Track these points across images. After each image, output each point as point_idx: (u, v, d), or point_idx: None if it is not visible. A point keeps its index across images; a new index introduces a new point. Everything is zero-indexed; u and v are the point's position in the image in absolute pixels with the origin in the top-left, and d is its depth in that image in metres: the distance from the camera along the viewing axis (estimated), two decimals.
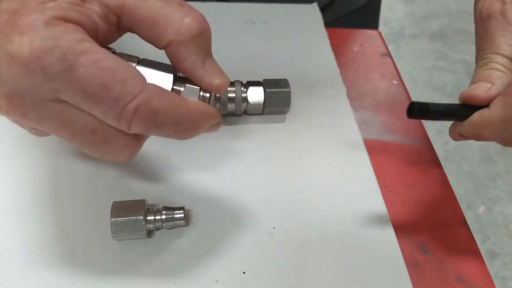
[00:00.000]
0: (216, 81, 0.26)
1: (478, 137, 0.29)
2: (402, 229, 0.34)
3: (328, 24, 0.53)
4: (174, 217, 0.31)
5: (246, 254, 0.31)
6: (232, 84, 0.39)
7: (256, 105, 0.40)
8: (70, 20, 0.22)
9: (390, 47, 0.53)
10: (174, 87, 0.25)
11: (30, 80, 0.22)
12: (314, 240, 0.33)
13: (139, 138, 0.25)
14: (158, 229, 0.31)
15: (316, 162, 0.38)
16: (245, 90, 0.39)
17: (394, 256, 0.32)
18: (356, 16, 0.62)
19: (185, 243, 0.31)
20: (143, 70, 0.25)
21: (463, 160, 1.49)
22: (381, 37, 0.54)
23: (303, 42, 0.50)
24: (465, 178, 1.44)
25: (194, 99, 0.26)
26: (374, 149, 0.40)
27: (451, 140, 1.60)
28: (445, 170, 0.40)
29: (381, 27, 0.69)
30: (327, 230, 0.33)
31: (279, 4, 0.54)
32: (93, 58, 0.22)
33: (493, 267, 1.23)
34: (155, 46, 0.25)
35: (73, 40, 0.22)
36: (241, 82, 0.40)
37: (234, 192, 0.35)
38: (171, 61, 0.26)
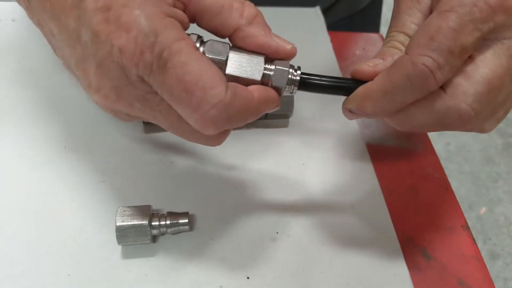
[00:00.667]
0: (288, 46, 0.28)
1: (362, 110, 0.28)
2: (404, 233, 0.35)
3: (330, 26, 0.53)
4: (178, 223, 0.31)
5: (250, 259, 0.31)
6: None
7: None
8: (166, 14, 0.24)
9: None
10: (266, 65, 0.27)
11: (136, 74, 0.23)
12: (317, 245, 0.33)
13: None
14: (162, 234, 0.32)
15: (319, 167, 0.38)
16: None
17: (397, 261, 0.33)
18: (358, 18, 0.62)
19: (189, 248, 0.32)
20: (236, 55, 0.27)
21: (464, 161, 1.49)
22: (383, 41, 0.54)
23: (305, 45, 0.50)
24: (467, 179, 1.44)
25: (283, 80, 0.27)
26: (376, 153, 0.40)
27: (453, 141, 1.60)
28: (447, 171, 0.40)
29: (382, 29, 0.69)
30: (330, 235, 0.34)
31: (282, 7, 0.54)
32: (183, 61, 0.23)
33: (494, 268, 1.23)
34: (220, 34, 0.27)
35: (172, 37, 0.23)
36: None
37: (237, 197, 0.35)
38: (241, 44, 0.27)
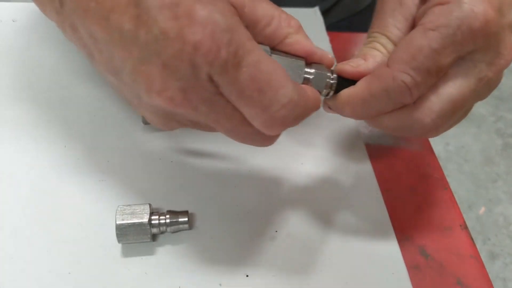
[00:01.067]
0: (330, 55, 0.29)
1: (341, 112, 0.30)
2: (403, 232, 0.35)
3: (330, 26, 0.53)
4: (178, 221, 0.31)
5: (249, 258, 0.32)
6: None
7: None
8: (237, 7, 0.24)
9: None
10: (306, 69, 0.28)
11: (207, 73, 0.22)
12: (316, 244, 0.33)
13: None
14: (162, 232, 0.32)
15: (317, 166, 0.38)
16: None
17: (395, 260, 0.33)
18: (357, 19, 0.63)
19: (189, 246, 0.32)
20: (278, 58, 0.27)
21: (463, 161, 1.49)
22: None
23: None
24: (466, 179, 1.44)
25: (322, 83, 0.28)
26: (375, 153, 0.40)
27: (452, 142, 1.60)
28: (446, 171, 0.40)
29: None
30: (329, 234, 0.34)
31: (281, 8, 0.54)
32: (257, 59, 0.23)
33: (493, 268, 1.23)
34: (270, 42, 0.27)
35: (246, 35, 0.23)
36: None
37: (237, 196, 0.35)
38: (289, 49, 0.28)
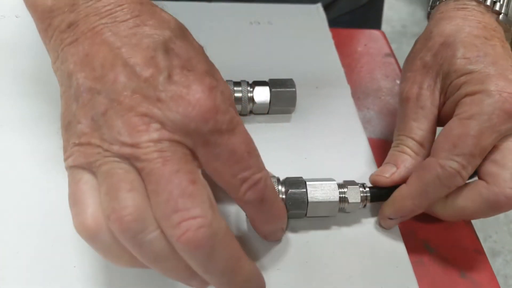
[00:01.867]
0: (279, 233, 0.33)
1: (402, 211, 0.32)
2: (407, 227, 0.35)
3: (332, 21, 0.53)
4: None
5: (253, 252, 0.32)
6: (238, 84, 0.40)
7: (262, 104, 0.40)
8: None
9: (392, 47, 0.53)
10: (340, 190, 0.33)
11: (223, 129, 0.24)
12: (321, 238, 0.33)
13: None
14: None
15: (321, 161, 0.38)
16: (251, 90, 0.40)
17: (400, 254, 0.33)
18: (359, 13, 0.63)
19: None
20: (313, 182, 0.33)
21: None
22: (385, 37, 0.54)
23: (307, 42, 0.50)
24: None
25: (357, 197, 0.33)
26: (378, 148, 0.41)
27: None
28: None
29: (383, 26, 0.69)
30: (333, 228, 0.34)
31: (284, 4, 0.54)
32: (244, 129, 0.25)
33: (494, 265, 1.23)
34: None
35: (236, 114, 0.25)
36: (248, 82, 0.40)
37: None
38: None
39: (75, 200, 0.24)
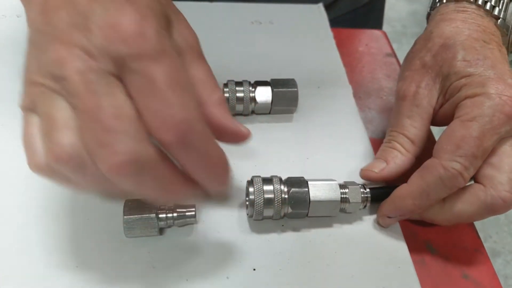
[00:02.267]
0: (244, 129, 0.29)
1: (400, 210, 0.32)
2: (408, 227, 0.35)
3: (333, 21, 0.53)
4: (185, 215, 0.31)
5: (256, 251, 0.32)
6: (240, 84, 0.40)
7: (264, 104, 0.40)
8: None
9: (393, 46, 0.53)
10: (341, 190, 0.33)
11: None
12: (323, 238, 0.33)
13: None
14: (169, 226, 0.32)
15: (323, 161, 0.38)
16: (253, 90, 0.40)
17: (402, 254, 0.33)
18: (360, 13, 0.63)
19: (195, 240, 0.32)
20: (316, 183, 0.33)
21: None
22: (386, 37, 0.54)
23: (309, 42, 0.50)
24: None
25: (358, 198, 0.33)
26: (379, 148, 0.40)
27: None
28: None
29: (384, 26, 0.69)
30: (335, 228, 0.34)
31: (285, 4, 0.54)
32: (175, 63, 0.23)
33: (495, 266, 1.22)
34: None
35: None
36: (249, 82, 0.40)
37: (243, 191, 0.35)
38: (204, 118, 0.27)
39: (25, 143, 0.25)
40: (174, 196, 0.26)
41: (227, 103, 0.39)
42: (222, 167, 0.26)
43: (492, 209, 0.31)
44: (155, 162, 0.23)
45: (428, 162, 0.31)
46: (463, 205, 0.31)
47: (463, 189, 0.31)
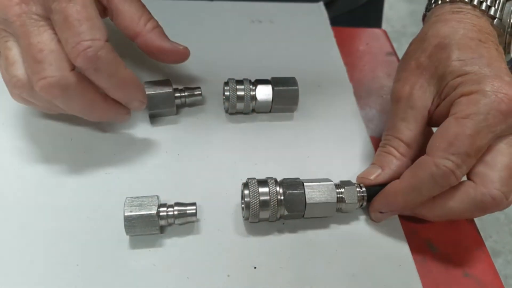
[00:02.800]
0: (180, 47, 0.36)
1: (393, 205, 0.33)
2: (410, 226, 0.35)
3: (332, 20, 0.53)
4: (186, 213, 0.31)
5: (257, 250, 0.32)
6: (240, 82, 0.40)
7: (264, 103, 0.40)
8: None
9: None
10: (337, 190, 0.33)
11: None
12: (324, 236, 0.33)
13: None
14: (170, 224, 0.32)
15: (323, 159, 0.38)
16: (253, 88, 0.40)
17: (402, 252, 0.33)
18: (360, 12, 0.63)
19: (196, 238, 0.32)
20: (311, 184, 0.33)
21: None
22: (387, 36, 0.54)
23: (309, 41, 0.50)
24: None
25: (354, 197, 0.33)
26: None
27: None
28: None
29: (383, 26, 0.69)
30: (336, 227, 0.34)
31: (285, 3, 0.54)
32: (86, 1, 0.29)
33: (495, 265, 1.23)
34: (126, 34, 0.35)
35: None
36: (250, 81, 0.40)
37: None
38: (143, 48, 0.35)
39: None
40: (99, 113, 0.33)
41: (227, 100, 0.39)
42: (133, 86, 0.33)
43: (482, 207, 0.30)
44: (75, 84, 0.30)
45: (421, 159, 0.31)
46: (454, 202, 0.31)
47: (454, 185, 0.31)
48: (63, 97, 0.30)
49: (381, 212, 0.33)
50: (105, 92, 0.32)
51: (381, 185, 0.34)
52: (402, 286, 0.31)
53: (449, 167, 0.29)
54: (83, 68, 0.29)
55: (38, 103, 0.32)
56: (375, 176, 0.34)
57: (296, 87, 0.40)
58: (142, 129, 0.39)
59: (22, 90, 0.31)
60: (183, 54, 0.36)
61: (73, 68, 0.30)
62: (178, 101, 0.40)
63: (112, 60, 0.30)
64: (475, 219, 0.36)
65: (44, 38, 0.29)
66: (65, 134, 0.38)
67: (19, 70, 0.31)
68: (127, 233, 0.30)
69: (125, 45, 0.37)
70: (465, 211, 0.31)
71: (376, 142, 0.41)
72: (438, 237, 0.35)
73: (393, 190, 0.32)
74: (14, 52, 0.31)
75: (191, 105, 0.41)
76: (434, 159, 0.30)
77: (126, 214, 0.30)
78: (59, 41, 0.29)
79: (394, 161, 0.34)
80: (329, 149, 0.39)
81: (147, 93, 0.37)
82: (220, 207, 0.34)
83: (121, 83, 0.32)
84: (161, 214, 0.31)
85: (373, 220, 0.34)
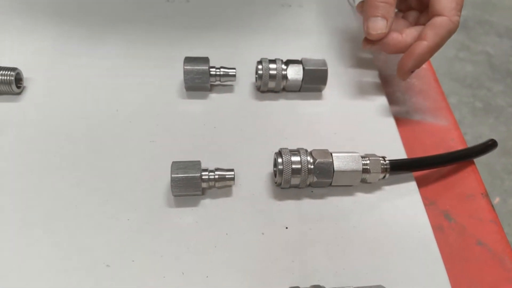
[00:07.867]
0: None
1: (421, 64, 0.40)
2: (429, 198, 0.38)
3: None
4: (225, 177, 0.34)
5: (288, 212, 0.35)
6: (273, 61, 0.43)
7: (295, 82, 0.43)
8: None
9: None
10: (363, 161, 0.36)
11: None
12: (348, 203, 0.36)
13: None
14: (210, 187, 0.35)
15: (349, 136, 0.41)
16: (285, 68, 0.43)
17: (421, 220, 0.35)
18: None
19: (233, 200, 0.35)
20: (340, 155, 0.36)
21: None
22: None
23: (337, 25, 0.53)
24: (482, 169, 1.45)
25: (378, 168, 0.36)
26: (403, 127, 0.43)
27: (470, 132, 1.58)
28: None
29: None
30: (360, 195, 0.37)
31: None
32: None
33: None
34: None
35: None
36: (282, 60, 0.43)
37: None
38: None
39: None
40: None
41: (260, 78, 0.42)
42: None
43: (446, 29, 0.39)
44: None
45: (437, 20, 0.39)
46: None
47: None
48: None
49: (411, 71, 0.40)
50: None
51: (403, 159, 0.36)
52: (421, 249, 0.34)
53: (459, 21, 0.39)
54: None
55: None
56: (386, 26, 0.40)
57: (325, 68, 0.43)
58: (181, 103, 0.42)
59: None
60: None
61: None
62: (213, 79, 0.43)
63: None
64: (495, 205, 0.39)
65: None
66: (111, 105, 0.41)
67: None
68: (173, 193, 0.34)
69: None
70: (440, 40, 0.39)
71: (399, 122, 0.43)
72: (455, 209, 0.37)
73: (422, 50, 0.39)
74: None
75: (226, 83, 0.44)
76: (451, 17, 0.38)
77: (173, 175, 0.33)
78: None
79: (391, 9, 0.40)
80: (355, 127, 0.42)
81: (185, 67, 0.40)
82: (254, 174, 0.37)
83: None
84: (203, 177, 0.34)
85: (401, 79, 0.42)
